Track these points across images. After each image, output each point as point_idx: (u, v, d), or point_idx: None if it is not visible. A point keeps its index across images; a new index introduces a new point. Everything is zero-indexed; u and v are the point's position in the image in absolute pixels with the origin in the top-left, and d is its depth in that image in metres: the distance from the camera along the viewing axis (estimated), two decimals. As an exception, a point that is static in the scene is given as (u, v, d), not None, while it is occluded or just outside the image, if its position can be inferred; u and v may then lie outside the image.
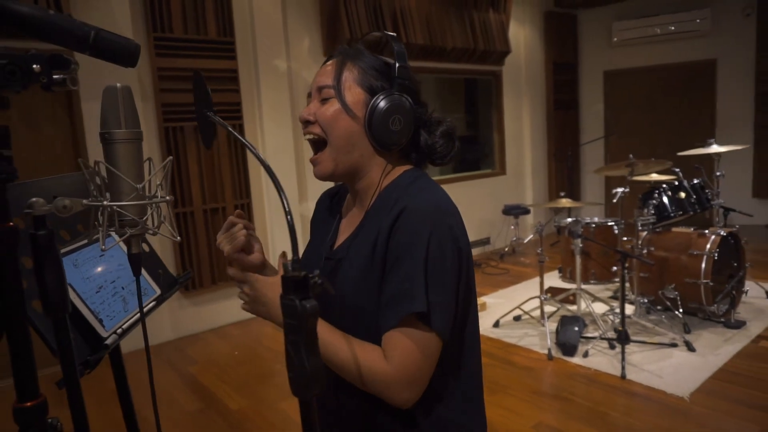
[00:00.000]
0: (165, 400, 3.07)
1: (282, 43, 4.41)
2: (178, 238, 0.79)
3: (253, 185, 4.36)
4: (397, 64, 0.93)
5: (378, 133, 0.91)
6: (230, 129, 0.69)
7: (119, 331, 0.99)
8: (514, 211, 5.99)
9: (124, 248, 1.14)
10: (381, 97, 0.91)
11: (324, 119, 0.92)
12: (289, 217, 0.55)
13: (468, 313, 0.96)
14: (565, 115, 7.13)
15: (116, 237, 1.03)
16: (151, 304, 1.15)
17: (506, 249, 6.16)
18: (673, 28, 6.34)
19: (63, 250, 1.00)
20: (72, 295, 0.95)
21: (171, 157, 0.77)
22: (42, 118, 3.49)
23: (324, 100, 0.93)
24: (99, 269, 1.04)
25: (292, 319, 0.56)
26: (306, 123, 0.94)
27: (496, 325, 3.83)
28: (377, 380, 0.85)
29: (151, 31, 3.72)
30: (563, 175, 7.11)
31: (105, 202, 0.72)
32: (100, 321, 0.97)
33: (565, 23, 6.97)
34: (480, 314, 4.26)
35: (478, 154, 7.03)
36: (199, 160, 4.03)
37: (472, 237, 6.21)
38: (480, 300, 4.36)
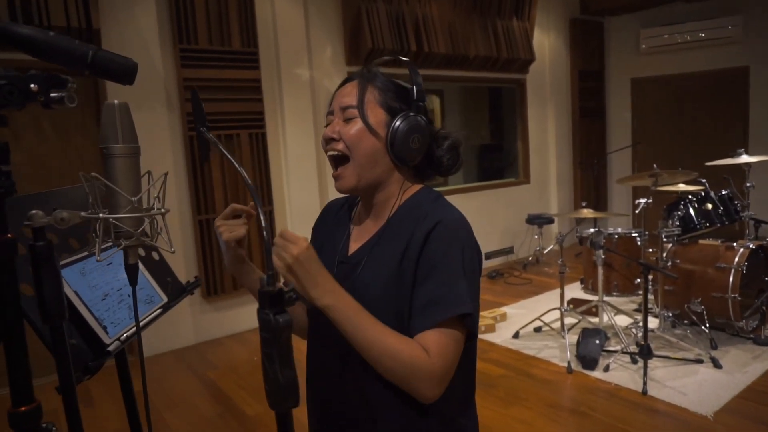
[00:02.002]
0: (184, 404, 3.12)
1: (305, 52, 4.48)
2: (173, 250, 0.81)
3: (276, 193, 4.42)
4: (415, 88, 1.01)
5: (399, 151, 0.99)
6: (221, 147, 0.70)
7: (122, 338, 1.02)
8: (538, 220, 5.90)
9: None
10: (401, 118, 0.99)
11: (349, 138, 0.99)
12: (265, 232, 0.56)
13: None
14: (591, 124, 7.01)
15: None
16: (157, 311, 1.18)
17: (530, 258, 6.08)
18: (703, 35, 6.19)
19: (71, 259, 1.04)
20: (77, 303, 0.98)
21: (167, 172, 0.80)
22: (72, 127, 3.62)
23: (347, 120, 1.00)
24: (106, 277, 1.08)
25: (267, 332, 0.57)
26: (329, 140, 1.01)
27: (516, 335, 3.78)
28: (420, 373, 0.88)
29: (177, 43, 3.82)
30: (589, 184, 6.99)
31: (101, 215, 0.74)
32: (104, 328, 1.00)
33: (591, 30, 6.88)
34: (500, 325, 4.23)
35: (502, 162, 6.98)
36: (222, 168, 4.11)
37: (495, 246, 6.17)
38: (500, 310, 4.31)
